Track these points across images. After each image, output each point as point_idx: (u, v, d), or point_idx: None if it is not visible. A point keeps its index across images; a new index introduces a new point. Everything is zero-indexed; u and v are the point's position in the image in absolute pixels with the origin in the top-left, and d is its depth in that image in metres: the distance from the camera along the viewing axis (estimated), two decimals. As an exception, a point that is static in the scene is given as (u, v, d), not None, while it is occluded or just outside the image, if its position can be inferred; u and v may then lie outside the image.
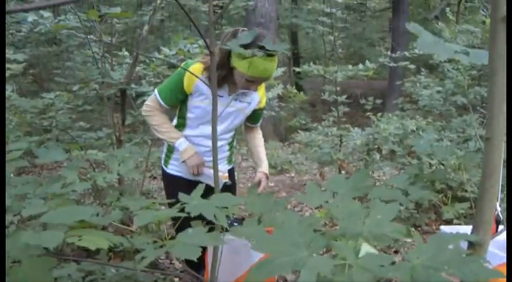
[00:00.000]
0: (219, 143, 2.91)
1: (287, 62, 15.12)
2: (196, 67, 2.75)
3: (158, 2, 4.68)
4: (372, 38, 17.23)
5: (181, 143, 2.86)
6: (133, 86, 4.96)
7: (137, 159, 7.49)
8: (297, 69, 8.20)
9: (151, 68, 4.74)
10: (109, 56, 4.85)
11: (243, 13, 10.61)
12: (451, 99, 7.58)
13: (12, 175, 3.81)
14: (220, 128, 2.79)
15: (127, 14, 3.54)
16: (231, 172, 3.32)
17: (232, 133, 3.12)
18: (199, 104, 2.83)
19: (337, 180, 1.82)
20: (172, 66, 5.32)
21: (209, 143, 2.51)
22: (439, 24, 8.20)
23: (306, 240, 1.17)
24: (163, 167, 3.14)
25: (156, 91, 2.93)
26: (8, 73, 4.75)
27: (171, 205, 1.77)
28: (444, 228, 1.39)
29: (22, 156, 2.38)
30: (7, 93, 4.86)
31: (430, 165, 5.25)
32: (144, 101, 5.39)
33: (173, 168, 3.06)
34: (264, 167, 3.21)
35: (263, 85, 3.00)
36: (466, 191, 4.80)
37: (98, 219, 1.70)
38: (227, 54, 2.70)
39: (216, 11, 8.25)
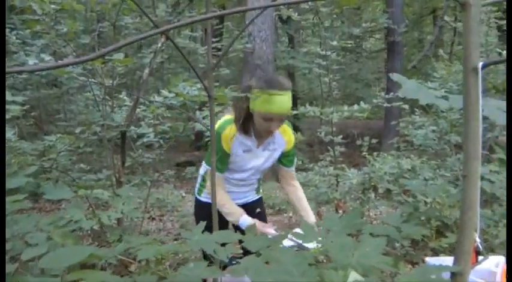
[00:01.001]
0: (250, 181, 3.27)
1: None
2: (227, 132, 2.96)
3: (159, 45, 4.83)
4: (367, 78, 17.49)
5: (245, 220, 3.00)
6: (133, 128, 5.06)
7: (136, 200, 7.58)
8: (294, 112, 8.32)
9: (151, 110, 4.85)
10: (110, 98, 4.98)
11: (241, 55, 10.81)
12: (445, 138, 7.70)
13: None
14: (251, 172, 3.17)
15: (130, 60, 3.66)
16: (259, 201, 3.52)
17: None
18: (235, 160, 3.06)
19: (331, 218, 1.91)
20: (171, 108, 5.44)
21: (239, 183, 3.17)
22: (435, 64, 8.41)
23: (299, 271, 1.26)
24: (197, 195, 3.37)
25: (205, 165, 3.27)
26: (8, 115, 4.87)
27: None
28: (429, 259, 1.47)
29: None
30: (8, 135, 4.96)
31: (426, 203, 5.33)
32: (143, 142, 5.55)
33: (206, 197, 3.29)
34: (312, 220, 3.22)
35: (288, 130, 3.13)
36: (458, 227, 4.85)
37: (103, 252, 1.78)
38: (247, 106, 2.90)
39: (214, 53, 8.44)
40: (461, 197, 1.33)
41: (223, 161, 3.06)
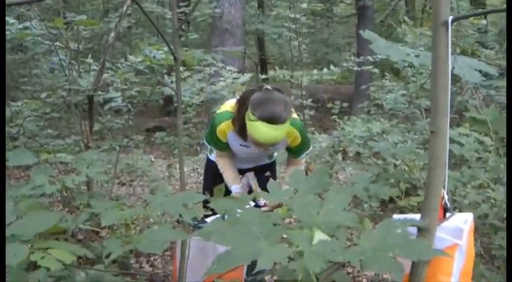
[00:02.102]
0: (257, 158, 3.28)
1: (254, 67, 15.21)
2: (223, 127, 2.94)
3: (124, 8, 4.71)
4: (338, 43, 17.43)
5: (235, 189, 3.09)
6: (100, 93, 4.98)
7: (106, 165, 7.49)
8: (264, 76, 8.29)
9: (118, 75, 4.77)
10: (76, 63, 4.86)
11: (210, 20, 10.67)
12: (415, 102, 7.75)
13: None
14: (254, 158, 3.25)
15: (93, 22, 3.57)
16: (270, 165, 3.51)
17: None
18: (233, 148, 3.09)
19: (297, 177, 1.90)
20: (139, 73, 5.35)
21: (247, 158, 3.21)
22: (403, 27, 8.42)
23: (264, 232, 1.25)
24: (208, 154, 3.44)
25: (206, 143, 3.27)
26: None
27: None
28: (396, 216, 1.47)
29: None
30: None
31: (395, 165, 5.38)
32: (111, 107, 5.46)
33: (214, 157, 3.30)
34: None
35: (293, 131, 2.91)
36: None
37: (67, 224, 1.74)
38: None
39: (181, 17, 8.30)
40: (429, 153, 1.33)
41: (221, 147, 3.09)
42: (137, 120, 11.65)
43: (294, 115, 2.89)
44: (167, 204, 1.63)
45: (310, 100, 7.05)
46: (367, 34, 1.52)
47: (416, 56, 1.36)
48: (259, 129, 2.59)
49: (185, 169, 8.13)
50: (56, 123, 6.30)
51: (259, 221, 1.33)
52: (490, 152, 5.31)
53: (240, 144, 2.98)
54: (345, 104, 9.95)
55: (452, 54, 1.33)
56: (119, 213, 1.61)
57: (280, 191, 1.84)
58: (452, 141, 5.58)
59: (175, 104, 7.16)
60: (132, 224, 5.34)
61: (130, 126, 7.35)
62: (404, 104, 7.86)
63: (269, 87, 2.77)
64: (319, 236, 1.21)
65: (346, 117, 8.04)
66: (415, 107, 7.89)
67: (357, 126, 6.27)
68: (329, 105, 10.07)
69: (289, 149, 3.15)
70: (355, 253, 1.07)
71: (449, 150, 4.93)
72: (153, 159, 7.84)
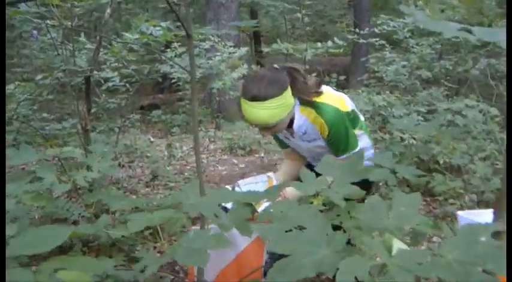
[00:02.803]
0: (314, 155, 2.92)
1: (248, 41, 14.97)
2: None
3: (117, -17, 4.50)
4: (332, 15, 17.15)
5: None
6: (96, 72, 4.78)
7: (104, 147, 7.31)
8: (265, 49, 8.09)
9: (113, 52, 4.56)
10: (68, 42, 4.64)
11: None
12: (416, 73, 7.61)
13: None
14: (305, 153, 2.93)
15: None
16: None
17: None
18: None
19: (328, 163, 1.74)
20: (133, 50, 5.14)
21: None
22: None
23: (324, 237, 1.09)
24: None
25: None
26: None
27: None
28: (461, 214, 1.31)
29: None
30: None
31: (402, 139, 5.24)
32: (108, 87, 5.25)
33: None
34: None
35: (317, 118, 2.55)
36: (438, 163, 4.80)
37: (85, 230, 1.56)
38: None
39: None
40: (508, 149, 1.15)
41: (278, 143, 3.02)
42: (131, 99, 11.44)
43: (325, 99, 2.49)
44: (201, 206, 1.45)
45: (314, 75, 6.84)
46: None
47: (468, 31, 1.18)
48: (244, 108, 2.44)
49: (184, 148, 8.02)
50: (50, 105, 6.08)
51: (315, 222, 1.16)
52: (496, 122, 5.17)
53: (284, 136, 2.77)
54: (342, 77, 9.79)
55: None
56: (147, 218, 1.42)
57: (314, 179, 1.67)
58: (456, 112, 5.45)
59: (172, 81, 6.95)
60: (134, 208, 5.21)
61: (125, 106, 7.15)
62: (405, 75, 7.71)
63: (275, 66, 2.55)
64: (397, 244, 1.06)
65: (345, 91, 7.88)
66: (415, 78, 7.75)
67: (360, 99, 6.09)
68: (325, 78, 9.93)
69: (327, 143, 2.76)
70: (446, 268, 0.92)
71: (453, 122, 4.77)
72: (151, 139, 7.67)
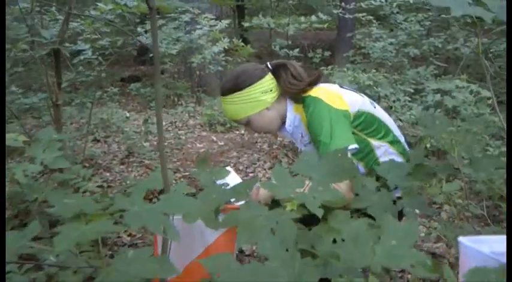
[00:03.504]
0: None
1: (231, 13, 14.63)
2: None
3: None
4: (316, -13, 16.82)
5: None
6: (68, 44, 4.52)
7: (79, 121, 7.07)
8: (246, 24, 7.84)
9: (87, 24, 4.30)
10: (38, 12, 4.38)
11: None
12: (403, 50, 7.43)
13: None
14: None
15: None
16: None
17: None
18: None
19: (308, 160, 1.54)
20: (110, 23, 4.88)
21: None
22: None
23: (293, 272, 0.90)
24: None
25: None
26: None
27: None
28: (464, 241, 1.12)
29: None
30: None
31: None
32: (80, 60, 4.99)
33: None
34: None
35: (299, 107, 2.29)
36: (426, 148, 4.65)
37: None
38: None
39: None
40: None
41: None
42: (111, 70, 11.13)
43: (313, 93, 2.21)
44: (147, 216, 1.23)
45: (297, 50, 6.62)
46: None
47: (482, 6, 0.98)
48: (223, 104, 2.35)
49: (163, 123, 7.78)
50: (21, 78, 5.79)
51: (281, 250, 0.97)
52: (488, 105, 5.00)
53: (282, 129, 2.46)
54: (327, 53, 9.57)
55: None
56: (79, 232, 1.18)
57: (288, 179, 1.48)
58: (445, 93, 5.28)
59: (151, 55, 6.68)
60: (108, 187, 5.02)
61: (104, 78, 6.88)
62: (392, 52, 7.52)
63: (267, 64, 2.33)
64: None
65: (330, 67, 7.68)
66: (402, 56, 7.57)
67: (345, 77, 5.88)
68: (310, 53, 9.70)
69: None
70: None
71: (442, 103, 4.59)
72: (127, 114, 7.42)
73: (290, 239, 1.21)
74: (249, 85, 2.20)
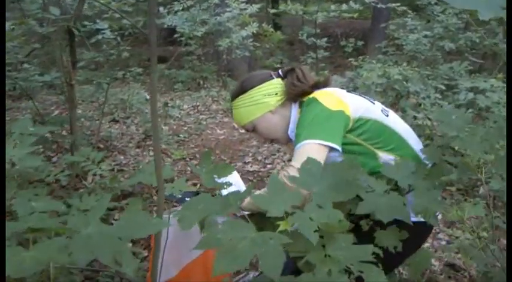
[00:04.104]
0: None
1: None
2: None
3: None
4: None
5: None
6: (87, 23, 4.38)
7: (98, 99, 6.94)
8: (272, 10, 7.61)
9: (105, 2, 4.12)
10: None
11: None
12: (438, 44, 7.10)
13: None
14: None
15: None
16: None
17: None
18: None
19: (310, 170, 1.34)
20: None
21: None
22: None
23: None
24: None
25: None
26: None
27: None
28: None
29: None
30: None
31: (415, 118, 4.82)
32: (98, 40, 4.83)
33: None
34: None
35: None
36: (453, 148, 4.38)
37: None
38: None
39: None
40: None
41: None
42: (138, 49, 10.99)
43: (315, 94, 2.05)
44: (98, 243, 1.03)
45: (324, 40, 6.38)
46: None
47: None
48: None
49: (185, 106, 7.64)
50: (38, 56, 5.66)
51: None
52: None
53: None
54: (360, 42, 9.28)
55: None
56: (15, 261, 0.96)
57: (284, 193, 1.28)
58: (479, 92, 5.00)
59: (174, 36, 6.49)
60: (119, 171, 4.88)
61: (129, 58, 6.73)
62: (426, 45, 7.19)
63: (279, 71, 2.25)
64: None
65: (361, 58, 7.40)
66: (437, 50, 7.25)
67: (374, 70, 5.61)
68: (342, 42, 9.43)
69: None
70: None
71: (474, 103, 4.31)
72: (148, 97, 7.26)
73: (274, 271, 1.03)
74: (252, 87, 2.14)
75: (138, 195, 4.12)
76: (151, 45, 1.43)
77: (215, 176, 1.98)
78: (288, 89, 2.12)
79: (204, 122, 6.77)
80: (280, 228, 1.20)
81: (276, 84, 2.14)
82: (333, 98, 2.00)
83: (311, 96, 2.04)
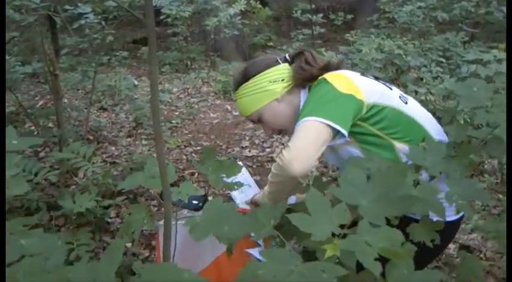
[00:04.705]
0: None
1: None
2: None
3: None
4: None
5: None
6: (68, 7, 4.12)
7: (85, 87, 6.67)
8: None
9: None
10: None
11: None
12: (431, 14, 6.89)
13: None
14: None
15: None
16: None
17: None
18: None
19: (353, 179, 1.12)
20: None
21: None
22: None
23: None
24: None
25: None
26: None
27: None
28: None
29: None
30: None
31: (416, 93, 4.62)
32: (81, 25, 4.55)
33: None
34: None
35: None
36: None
37: None
38: None
39: None
40: None
41: None
42: (122, 32, 10.67)
43: (329, 76, 1.83)
44: None
45: (320, 15, 6.14)
46: None
47: None
48: None
49: (175, 90, 7.38)
50: (18, 45, 5.34)
51: None
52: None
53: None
54: (349, 16, 9.04)
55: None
56: None
57: (327, 209, 1.07)
58: (477, 61, 4.81)
59: (160, 17, 6.24)
60: (112, 164, 4.65)
61: (113, 41, 6.46)
62: (419, 16, 6.98)
63: (286, 55, 2.05)
64: None
65: (353, 32, 7.18)
66: (430, 20, 7.04)
67: (371, 43, 5.39)
68: (331, 15, 9.16)
69: None
70: None
71: (477, 75, 4.11)
72: (136, 82, 7.00)
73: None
74: (255, 74, 1.97)
75: (133, 192, 3.92)
76: (150, 32, 1.20)
77: (223, 175, 1.80)
78: (295, 73, 1.93)
79: (196, 106, 6.54)
80: (327, 254, 0.99)
81: (282, 70, 1.96)
82: (344, 79, 1.81)
83: (320, 77, 1.84)
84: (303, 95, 1.95)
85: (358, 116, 1.75)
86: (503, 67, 4.55)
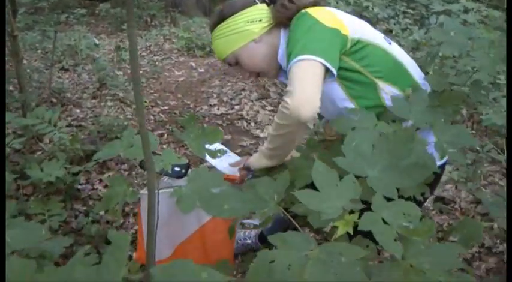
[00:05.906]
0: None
1: None
2: None
3: None
4: None
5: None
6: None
7: (45, 47, 6.42)
8: None
9: None
10: None
11: None
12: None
13: None
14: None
15: None
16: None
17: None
18: None
19: (358, 146, 1.07)
20: None
21: None
22: None
23: None
24: None
25: None
26: None
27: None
28: None
29: None
30: None
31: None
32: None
33: None
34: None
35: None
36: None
37: None
38: None
39: None
40: None
41: None
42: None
43: (311, 10, 1.76)
44: None
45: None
46: None
47: None
48: None
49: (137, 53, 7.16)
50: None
51: None
52: (499, 28, 4.49)
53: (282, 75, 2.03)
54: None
55: None
56: None
57: (338, 187, 1.00)
58: (445, 12, 4.78)
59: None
60: (78, 127, 4.50)
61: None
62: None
63: None
64: None
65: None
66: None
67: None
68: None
69: None
70: None
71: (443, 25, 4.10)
72: (97, 42, 6.75)
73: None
74: (231, 15, 1.90)
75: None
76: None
77: (205, 142, 1.74)
78: (277, 12, 1.87)
79: (160, 64, 6.36)
80: (339, 232, 0.94)
81: (260, 10, 1.90)
82: (327, 13, 1.76)
83: (302, 11, 1.77)
84: (283, 35, 1.89)
85: (343, 50, 1.70)
86: (470, 17, 4.54)
